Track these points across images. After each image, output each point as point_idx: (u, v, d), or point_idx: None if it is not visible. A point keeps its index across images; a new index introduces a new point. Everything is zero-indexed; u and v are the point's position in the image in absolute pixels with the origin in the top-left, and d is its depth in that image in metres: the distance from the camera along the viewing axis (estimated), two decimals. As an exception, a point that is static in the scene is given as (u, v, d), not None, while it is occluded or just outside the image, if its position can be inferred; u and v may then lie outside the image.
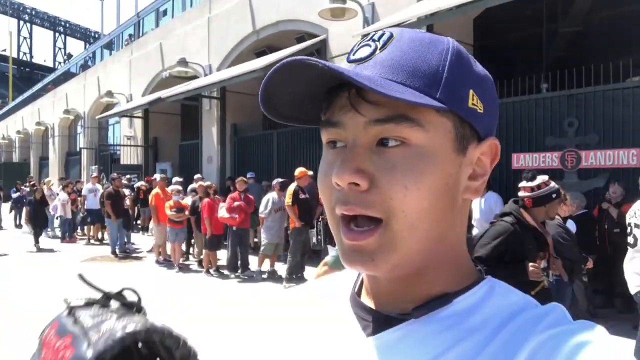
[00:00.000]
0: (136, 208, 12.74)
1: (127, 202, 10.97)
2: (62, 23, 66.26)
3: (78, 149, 23.11)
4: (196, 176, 10.46)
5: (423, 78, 0.48)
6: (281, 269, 7.78)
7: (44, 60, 69.46)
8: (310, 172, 7.34)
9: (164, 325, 0.49)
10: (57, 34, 65.20)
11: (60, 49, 65.76)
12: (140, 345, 0.49)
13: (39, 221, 11.42)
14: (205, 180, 9.62)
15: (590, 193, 6.20)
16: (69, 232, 12.59)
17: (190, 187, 10.03)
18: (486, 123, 0.53)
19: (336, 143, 0.52)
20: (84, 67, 34.35)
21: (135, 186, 12.65)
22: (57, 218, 12.93)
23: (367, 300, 0.57)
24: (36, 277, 7.99)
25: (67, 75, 35.94)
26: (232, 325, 3.86)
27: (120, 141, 19.15)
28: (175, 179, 10.90)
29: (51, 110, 26.27)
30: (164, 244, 9.39)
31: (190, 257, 9.71)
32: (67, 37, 66.18)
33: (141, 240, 11.96)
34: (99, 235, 12.61)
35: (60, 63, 61.35)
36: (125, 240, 10.68)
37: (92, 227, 12.58)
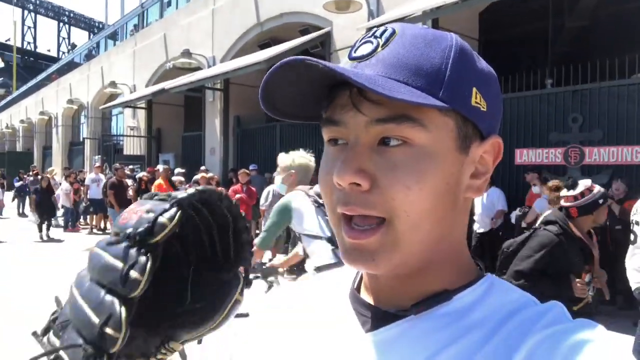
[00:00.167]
0: (138, 198, 12.79)
1: (130, 192, 10.99)
2: (66, 13, 66.16)
3: (81, 139, 23.14)
4: (202, 168, 10.47)
5: (425, 77, 0.48)
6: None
7: (48, 50, 69.41)
8: (313, 165, 7.33)
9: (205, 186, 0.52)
10: (61, 24, 65.13)
11: (64, 38, 65.73)
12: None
13: (45, 210, 11.42)
14: (209, 171, 9.63)
15: (593, 189, 6.19)
16: (71, 221, 12.65)
17: (194, 178, 10.05)
18: (489, 121, 0.52)
19: (337, 140, 0.52)
20: (89, 56, 34.33)
21: (137, 177, 12.69)
22: (60, 207, 13.00)
23: (367, 297, 0.57)
24: (38, 271, 7.97)
25: (71, 65, 35.92)
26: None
27: (123, 132, 19.18)
28: (177, 170, 10.92)
29: (55, 100, 26.32)
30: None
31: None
32: (71, 27, 66.13)
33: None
34: (102, 225, 12.69)
35: (64, 53, 61.35)
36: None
37: (94, 216, 12.66)
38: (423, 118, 0.47)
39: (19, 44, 61.12)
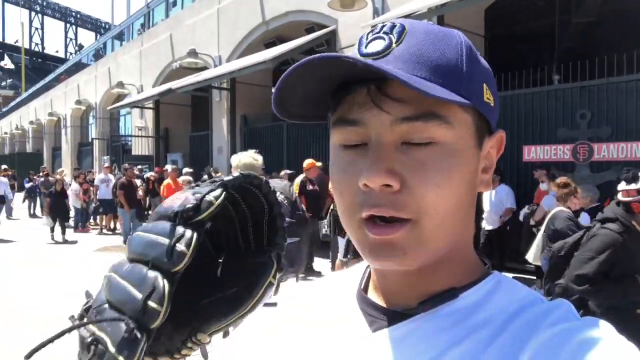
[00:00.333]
0: (147, 198, 12.88)
1: (140, 192, 11.07)
2: (73, 14, 66.60)
3: (90, 140, 23.29)
4: (212, 167, 10.53)
5: (445, 74, 0.47)
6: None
7: (56, 51, 69.89)
8: (319, 164, 7.34)
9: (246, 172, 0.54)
10: (68, 25, 65.56)
11: (71, 39, 66.17)
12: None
13: (59, 213, 11.27)
14: (218, 171, 9.67)
15: (602, 186, 6.15)
16: (81, 222, 12.76)
17: (203, 178, 10.09)
18: (496, 116, 0.54)
19: (347, 140, 0.50)
20: (97, 56, 34.51)
21: (144, 177, 12.77)
22: (72, 208, 13.09)
23: (374, 296, 0.57)
24: (38, 271, 8.01)
25: (79, 66, 36.15)
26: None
27: (131, 132, 19.30)
28: (186, 169, 10.97)
29: (63, 101, 26.50)
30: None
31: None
32: (78, 28, 66.58)
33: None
34: (111, 225, 12.79)
35: (71, 54, 61.73)
36: (138, 230, 10.80)
37: (104, 217, 12.76)
38: (448, 115, 0.47)
39: (27, 46, 61.59)
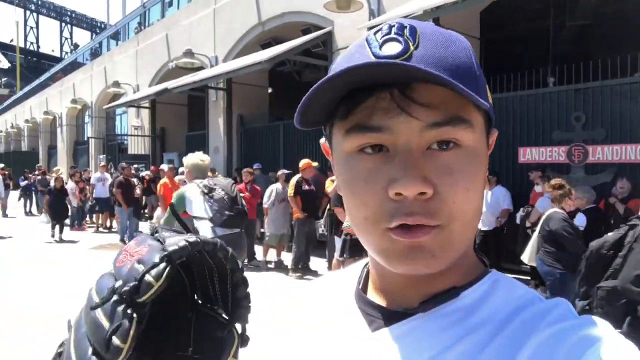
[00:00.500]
0: (144, 197, 12.87)
1: (137, 191, 11.06)
2: (68, 13, 66.27)
3: (86, 139, 23.24)
4: (211, 168, 10.50)
5: (464, 76, 0.46)
6: (287, 258, 7.84)
7: (52, 50, 69.65)
8: (315, 164, 7.35)
9: (214, 239, 0.51)
10: (63, 24, 65.25)
11: (66, 39, 65.88)
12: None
13: (59, 210, 11.11)
14: (216, 170, 9.67)
15: (597, 188, 6.20)
16: (78, 220, 12.73)
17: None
18: (493, 116, 0.55)
19: (365, 148, 0.48)
20: (93, 55, 34.39)
21: (140, 175, 12.76)
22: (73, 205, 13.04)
23: (373, 296, 0.57)
24: (38, 271, 8.00)
25: (75, 65, 35.99)
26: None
27: (127, 131, 19.26)
28: (182, 169, 10.95)
29: (59, 99, 26.39)
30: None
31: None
32: (74, 27, 66.25)
33: (148, 229, 12.03)
34: (108, 224, 12.79)
35: (67, 53, 61.47)
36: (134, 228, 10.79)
37: (100, 215, 12.74)
38: (472, 119, 0.48)
39: (22, 44, 61.28)
